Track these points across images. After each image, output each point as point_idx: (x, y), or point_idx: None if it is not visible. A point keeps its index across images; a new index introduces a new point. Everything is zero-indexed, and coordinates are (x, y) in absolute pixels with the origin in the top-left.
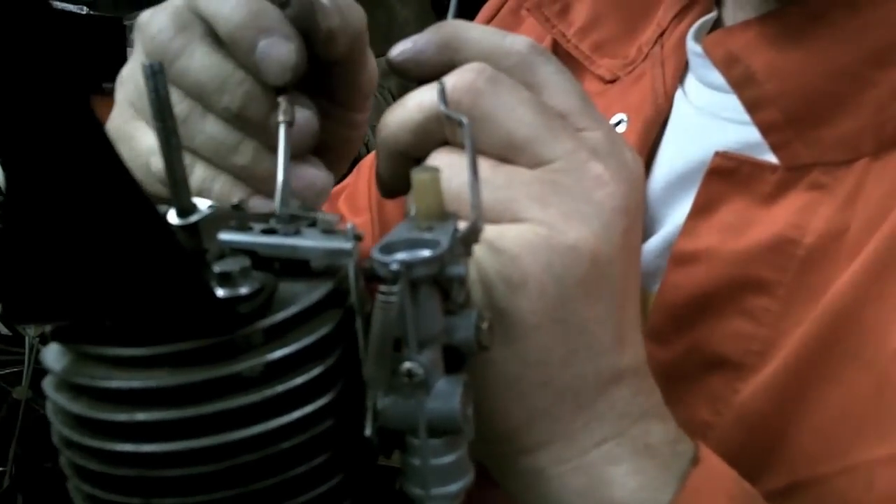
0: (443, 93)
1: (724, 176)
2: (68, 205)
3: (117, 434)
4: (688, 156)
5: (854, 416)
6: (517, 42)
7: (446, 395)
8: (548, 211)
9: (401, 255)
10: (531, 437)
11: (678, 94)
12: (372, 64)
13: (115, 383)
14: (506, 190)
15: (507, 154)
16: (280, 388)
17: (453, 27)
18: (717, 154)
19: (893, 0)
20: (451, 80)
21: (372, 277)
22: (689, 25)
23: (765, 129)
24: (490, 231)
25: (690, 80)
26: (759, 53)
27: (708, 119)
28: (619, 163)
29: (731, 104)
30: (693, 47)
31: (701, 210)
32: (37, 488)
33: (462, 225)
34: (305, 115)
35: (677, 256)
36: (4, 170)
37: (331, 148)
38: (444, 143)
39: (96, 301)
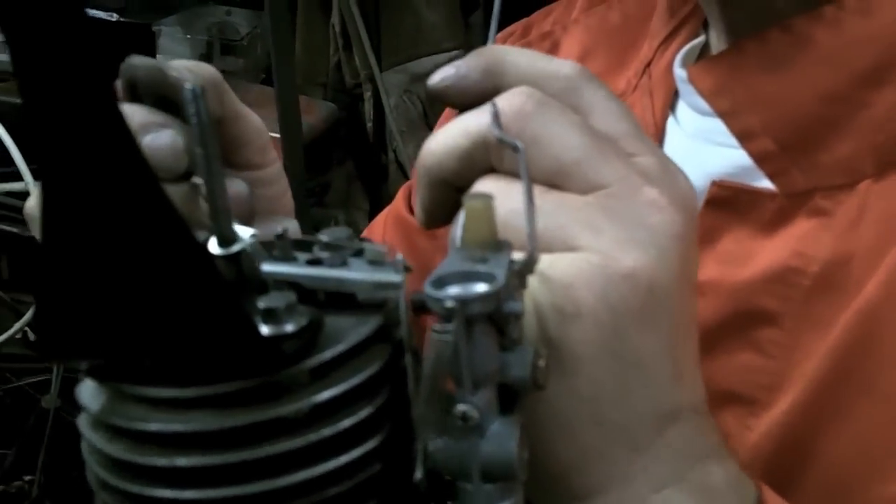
0: (496, 116)
1: (722, 206)
2: (105, 234)
3: (156, 479)
4: None
5: (871, 450)
6: (564, 66)
7: (502, 439)
8: (601, 238)
9: (454, 290)
10: (585, 481)
11: (670, 121)
12: (249, 114)
13: (154, 426)
14: (556, 217)
15: (557, 179)
16: (327, 431)
17: (496, 52)
18: (713, 184)
19: (876, 17)
20: (500, 103)
21: (420, 310)
22: (676, 52)
23: (759, 159)
24: (541, 260)
25: (681, 105)
26: (745, 82)
27: (701, 144)
28: (674, 188)
29: (721, 128)
30: (680, 74)
31: (700, 241)
32: (65, 497)
33: (516, 255)
34: (233, 185)
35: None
36: (42, 197)
37: (259, 212)
38: (490, 170)
39: (134, 338)
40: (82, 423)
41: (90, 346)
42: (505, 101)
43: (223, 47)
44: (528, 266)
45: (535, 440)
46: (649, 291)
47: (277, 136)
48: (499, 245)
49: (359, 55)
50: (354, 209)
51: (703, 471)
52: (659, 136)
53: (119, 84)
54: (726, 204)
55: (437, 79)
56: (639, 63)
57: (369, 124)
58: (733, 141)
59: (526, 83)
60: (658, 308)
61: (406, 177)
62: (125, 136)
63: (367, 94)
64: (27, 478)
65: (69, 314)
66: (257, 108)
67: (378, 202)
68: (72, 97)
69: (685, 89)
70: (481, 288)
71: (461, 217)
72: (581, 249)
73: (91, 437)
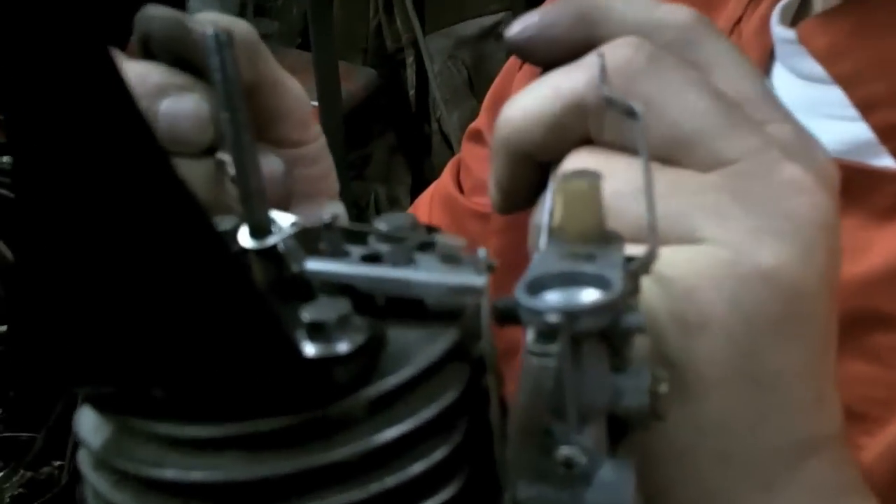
0: (604, 71)
1: None
2: (99, 225)
3: None
4: None
5: None
6: (676, 12)
7: (614, 489)
8: (731, 227)
9: (555, 298)
10: None
11: None
12: (289, 81)
13: (169, 473)
14: (674, 200)
15: (674, 153)
16: (390, 480)
17: None
18: None
19: None
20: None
21: (506, 320)
22: (771, 8)
23: (882, 133)
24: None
25: (779, 71)
26: (869, 42)
27: (804, 117)
28: (816, 164)
29: (833, 97)
30: (783, 33)
31: None
32: None
33: (628, 250)
34: (268, 163)
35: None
36: (17, 178)
37: (298, 196)
38: (585, 141)
39: (140, 362)
40: (82, 458)
41: (84, 372)
42: (606, 56)
43: (257, 8)
44: (646, 265)
45: (646, 477)
46: (792, 295)
47: (315, 104)
48: (606, 237)
49: (400, 18)
50: (396, 183)
51: None
52: None
53: (133, 39)
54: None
55: (516, 29)
56: (725, 21)
57: (411, 92)
58: (849, 112)
59: (630, 33)
60: (802, 316)
61: (450, 149)
62: (122, 98)
63: (410, 60)
64: (56, 463)
65: (56, 330)
66: (294, 74)
67: (420, 176)
68: (51, 47)
69: (786, 51)
70: (591, 296)
71: (548, 199)
72: (706, 242)
73: (93, 477)
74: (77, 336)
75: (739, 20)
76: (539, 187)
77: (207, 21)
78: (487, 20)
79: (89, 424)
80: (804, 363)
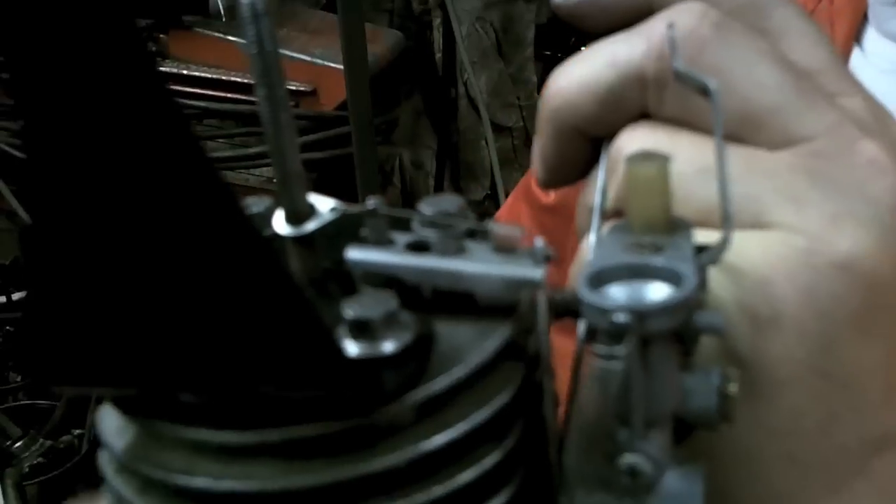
0: (673, 40)
1: None
2: (117, 208)
3: None
4: None
5: None
6: None
7: (681, 499)
8: (806, 212)
9: (621, 293)
10: None
11: (855, 54)
12: None
13: (200, 481)
14: (743, 182)
15: (743, 131)
16: (439, 490)
17: None
18: None
19: None
20: (664, 25)
21: (564, 314)
22: None
23: None
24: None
25: (870, 35)
26: None
27: None
28: (891, 141)
29: None
30: None
31: None
32: None
33: (698, 238)
34: None
35: None
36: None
37: None
38: (641, 115)
39: (166, 362)
40: (104, 461)
41: (104, 373)
42: (668, 23)
43: None
44: (719, 255)
45: (708, 479)
46: (871, 287)
47: (341, 67)
48: (674, 225)
49: None
50: (422, 147)
51: None
52: None
53: None
54: None
55: None
56: None
57: (438, 55)
58: None
59: None
60: (879, 308)
61: (477, 113)
62: (145, 68)
63: (437, 22)
64: (76, 432)
65: (72, 326)
66: (318, 36)
67: (447, 140)
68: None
69: (882, 13)
70: (661, 292)
71: (600, 176)
72: (779, 228)
73: (116, 482)
74: (95, 331)
75: None
76: (588, 163)
77: None
78: None
79: (112, 426)
80: (879, 358)
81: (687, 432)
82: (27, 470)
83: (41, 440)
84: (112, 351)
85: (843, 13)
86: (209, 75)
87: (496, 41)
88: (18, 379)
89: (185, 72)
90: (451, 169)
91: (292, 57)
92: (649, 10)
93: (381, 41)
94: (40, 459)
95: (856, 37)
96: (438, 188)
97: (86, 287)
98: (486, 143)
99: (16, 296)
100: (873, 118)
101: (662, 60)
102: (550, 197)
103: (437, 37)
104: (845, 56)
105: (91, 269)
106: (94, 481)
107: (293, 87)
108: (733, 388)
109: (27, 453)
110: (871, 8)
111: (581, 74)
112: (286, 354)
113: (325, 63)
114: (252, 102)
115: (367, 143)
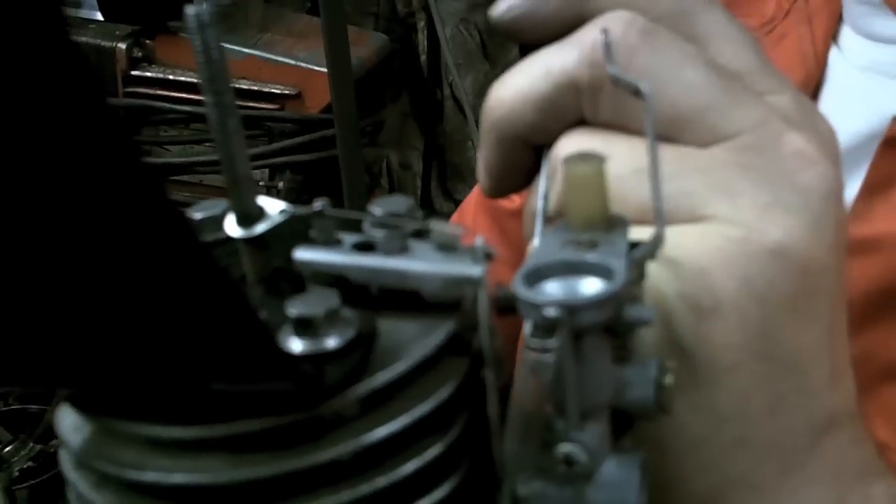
0: (608, 47)
1: None
2: (57, 204)
3: None
4: (853, 126)
5: None
6: None
7: (618, 486)
8: (739, 204)
9: (555, 289)
10: None
11: (833, 52)
12: None
13: (150, 475)
14: (677, 179)
15: (673, 130)
16: (382, 481)
17: None
18: (895, 119)
19: None
20: (596, 34)
21: (506, 311)
22: None
23: None
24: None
25: (847, 33)
26: None
27: (875, 79)
28: (819, 134)
29: None
30: None
31: (874, 188)
32: None
33: (633, 234)
34: None
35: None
36: None
37: None
38: (578, 122)
39: (110, 359)
40: (63, 458)
41: (49, 371)
42: (598, 32)
43: None
44: (652, 251)
45: (660, 469)
46: (803, 271)
47: (325, 70)
48: (611, 222)
49: None
50: (408, 149)
51: (863, 491)
52: (820, 69)
53: None
54: None
55: (502, 8)
56: None
57: (423, 57)
58: None
59: (620, 7)
60: (814, 291)
61: (462, 114)
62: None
63: (421, 24)
64: None
65: (13, 324)
66: (302, 39)
67: (433, 141)
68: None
69: (857, 11)
70: (593, 287)
71: (542, 183)
72: (714, 220)
73: (74, 478)
74: (40, 332)
75: None
76: (532, 171)
77: None
78: None
79: (70, 423)
80: (819, 340)
81: (630, 423)
82: (17, 474)
83: (31, 444)
84: (58, 350)
85: (819, 12)
86: (195, 80)
87: (481, 43)
88: None
89: (171, 76)
90: (439, 170)
91: (277, 60)
92: (581, 21)
93: (367, 44)
94: (30, 464)
95: (833, 35)
96: (426, 189)
97: (24, 286)
98: (473, 144)
99: None
100: (801, 113)
101: (594, 67)
102: (515, 202)
103: (422, 39)
104: (823, 54)
105: (28, 266)
106: None
107: (278, 91)
108: (669, 378)
109: (17, 458)
110: (846, 7)
111: (519, 85)
112: (230, 352)
113: (310, 66)
114: (241, 107)
115: (352, 144)
